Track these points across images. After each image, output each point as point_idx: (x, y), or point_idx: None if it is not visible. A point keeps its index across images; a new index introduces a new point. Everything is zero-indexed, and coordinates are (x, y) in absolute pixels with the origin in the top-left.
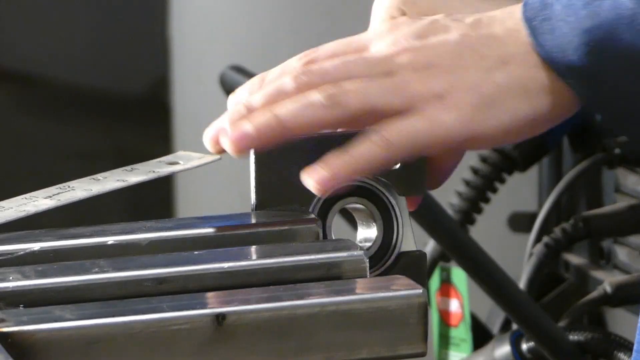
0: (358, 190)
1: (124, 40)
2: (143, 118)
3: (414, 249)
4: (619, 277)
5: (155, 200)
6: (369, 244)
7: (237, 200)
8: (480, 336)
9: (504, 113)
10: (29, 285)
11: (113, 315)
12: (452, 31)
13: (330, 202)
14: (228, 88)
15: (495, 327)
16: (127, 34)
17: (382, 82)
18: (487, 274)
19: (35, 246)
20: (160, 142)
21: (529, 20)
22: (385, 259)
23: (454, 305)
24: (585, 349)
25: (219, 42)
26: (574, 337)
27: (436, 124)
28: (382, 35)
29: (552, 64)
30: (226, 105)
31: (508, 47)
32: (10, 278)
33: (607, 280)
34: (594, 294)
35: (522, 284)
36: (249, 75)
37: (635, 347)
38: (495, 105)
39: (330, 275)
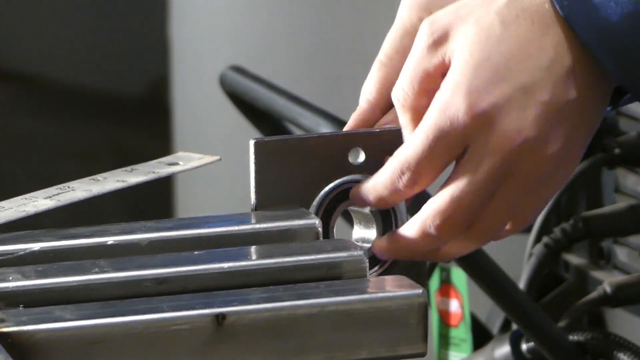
0: None
1: (124, 40)
2: (143, 118)
3: None
4: (618, 278)
5: (155, 200)
6: (368, 245)
7: (237, 201)
8: (480, 336)
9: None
10: (29, 286)
11: (113, 316)
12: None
13: (332, 204)
14: (228, 88)
15: (495, 327)
16: (127, 34)
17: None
18: (486, 274)
19: (36, 246)
20: (160, 142)
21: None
22: (385, 260)
23: (454, 306)
24: (585, 349)
25: (219, 42)
26: (573, 337)
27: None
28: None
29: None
30: (226, 105)
31: None
32: (10, 278)
33: (607, 281)
34: (594, 294)
35: (521, 284)
36: (249, 75)
37: None
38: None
39: (330, 275)
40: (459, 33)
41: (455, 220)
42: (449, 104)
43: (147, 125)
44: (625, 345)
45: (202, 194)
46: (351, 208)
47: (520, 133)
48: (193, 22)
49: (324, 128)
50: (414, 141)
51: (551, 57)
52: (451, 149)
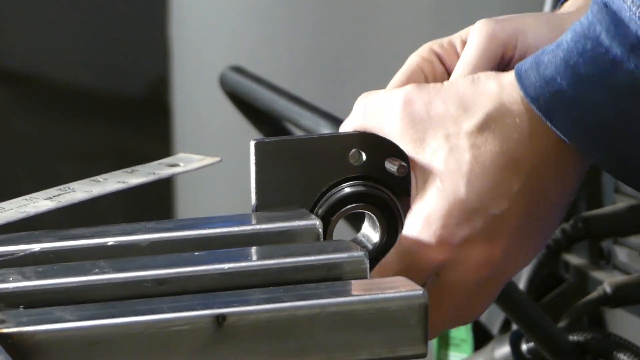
0: (365, 196)
1: (124, 41)
2: (143, 118)
3: None
4: (618, 278)
5: (154, 199)
6: (371, 246)
7: (237, 200)
8: (480, 336)
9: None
10: (29, 286)
11: (113, 316)
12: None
13: (335, 207)
14: (228, 89)
15: (495, 327)
16: (127, 34)
17: None
18: None
19: (36, 247)
20: (160, 142)
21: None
22: None
23: None
24: (585, 350)
25: (218, 43)
26: (573, 337)
27: None
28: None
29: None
30: (226, 105)
31: None
32: (11, 279)
33: (607, 281)
34: (594, 294)
35: (521, 285)
36: (249, 76)
37: None
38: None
39: (331, 276)
40: (430, 144)
41: None
42: (421, 235)
43: (147, 125)
44: (625, 346)
45: (202, 193)
46: (355, 211)
47: (489, 263)
48: (193, 22)
49: (324, 128)
50: (389, 262)
51: (525, 177)
52: (422, 274)
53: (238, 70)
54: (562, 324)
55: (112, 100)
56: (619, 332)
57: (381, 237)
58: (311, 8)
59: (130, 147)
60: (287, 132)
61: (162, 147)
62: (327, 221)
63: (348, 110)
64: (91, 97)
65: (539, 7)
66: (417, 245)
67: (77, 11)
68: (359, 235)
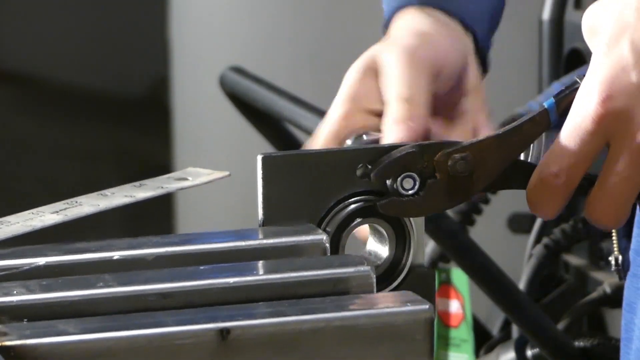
0: (374, 210)
1: (124, 41)
2: (143, 119)
3: (424, 265)
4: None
5: (154, 203)
6: (380, 261)
7: (236, 202)
8: (480, 336)
9: None
10: (33, 300)
11: (116, 330)
12: None
13: (345, 222)
14: (228, 89)
15: (495, 328)
16: (127, 35)
17: None
18: (487, 275)
19: (41, 261)
20: (160, 143)
21: None
22: (394, 277)
23: (454, 306)
24: (590, 355)
25: (218, 43)
26: (579, 343)
27: None
28: None
29: None
30: (226, 106)
31: None
32: (15, 292)
33: (607, 281)
34: (594, 294)
35: (522, 285)
36: (249, 76)
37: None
38: None
39: (337, 290)
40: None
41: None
42: (585, 103)
43: (147, 126)
44: None
45: (203, 192)
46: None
47: None
48: (193, 22)
49: None
50: (559, 147)
51: None
52: (592, 146)
53: (238, 70)
54: (562, 324)
55: (112, 100)
56: (619, 333)
57: (390, 253)
58: (311, 8)
59: (130, 147)
60: (287, 133)
61: (162, 147)
62: (338, 237)
63: None
64: (91, 98)
65: (540, 6)
66: (580, 113)
67: (77, 12)
68: (366, 252)
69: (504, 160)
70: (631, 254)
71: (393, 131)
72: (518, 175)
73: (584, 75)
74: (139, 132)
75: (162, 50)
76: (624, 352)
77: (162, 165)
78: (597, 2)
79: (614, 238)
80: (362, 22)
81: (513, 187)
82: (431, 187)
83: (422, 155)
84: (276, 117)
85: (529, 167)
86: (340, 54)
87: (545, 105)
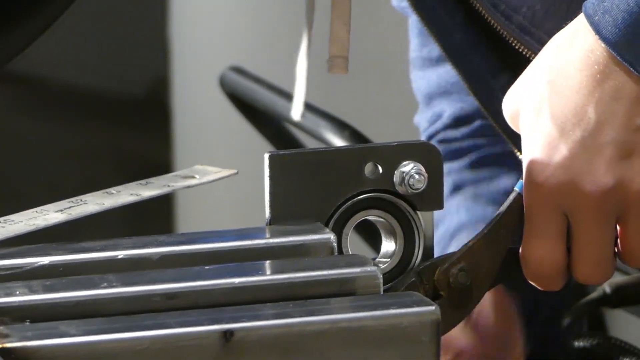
0: (381, 202)
1: (124, 41)
2: (143, 119)
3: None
4: (618, 278)
5: (155, 207)
6: (388, 259)
7: (237, 200)
8: None
9: None
10: (36, 300)
11: (119, 331)
12: None
13: (348, 217)
14: (228, 89)
15: None
16: (127, 35)
17: None
18: None
19: (45, 260)
20: (160, 143)
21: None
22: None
23: None
24: (590, 355)
25: (218, 43)
26: (578, 343)
27: None
28: None
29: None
30: (226, 106)
31: None
32: (17, 292)
33: (607, 281)
34: (594, 294)
35: None
36: (249, 76)
37: None
38: None
39: (343, 291)
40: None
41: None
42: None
43: (147, 126)
44: (630, 351)
45: (202, 193)
46: (371, 218)
47: (597, 184)
48: (193, 22)
49: (324, 129)
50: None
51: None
52: (555, 225)
53: (238, 70)
54: (562, 324)
55: (112, 100)
56: (620, 335)
57: (398, 250)
58: None
59: (130, 147)
60: (287, 133)
61: (162, 147)
62: (342, 229)
63: (348, 110)
64: (91, 98)
65: None
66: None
67: (76, 11)
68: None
69: (498, 255)
70: None
71: None
72: (517, 265)
73: None
74: (139, 132)
75: (162, 49)
76: None
77: (162, 165)
78: (512, 87)
79: None
80: (363, 22)
81: (515, 277)
82: (441, 305)
83: (421, 280)
84: (276, 117)
85: None
86: None
87: (517, 189)
